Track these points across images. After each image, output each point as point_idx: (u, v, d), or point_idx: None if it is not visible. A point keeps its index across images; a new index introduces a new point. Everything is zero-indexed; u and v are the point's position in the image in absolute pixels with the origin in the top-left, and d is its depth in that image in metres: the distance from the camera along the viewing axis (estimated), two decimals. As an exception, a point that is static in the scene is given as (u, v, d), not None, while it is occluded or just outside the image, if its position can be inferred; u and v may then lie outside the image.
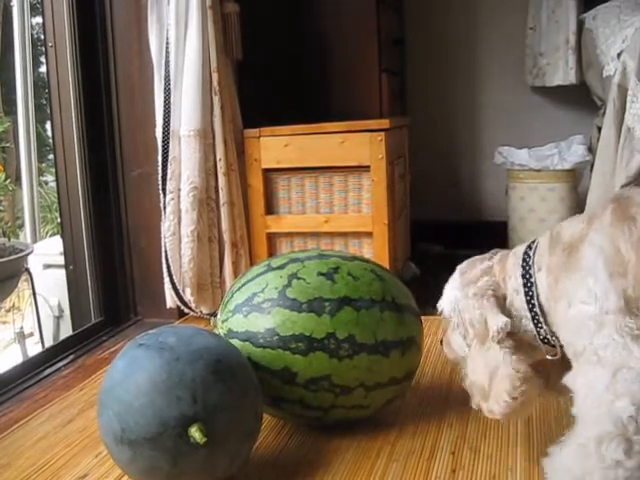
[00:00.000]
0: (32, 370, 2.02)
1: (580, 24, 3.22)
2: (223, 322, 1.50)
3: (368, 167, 2.38)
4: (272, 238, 2.54)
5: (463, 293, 1.25)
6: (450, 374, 1.82)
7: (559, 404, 1.57)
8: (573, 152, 3.18)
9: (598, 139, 2.49)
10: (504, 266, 1.24)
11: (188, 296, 2.31)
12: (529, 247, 1.22)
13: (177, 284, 2.29)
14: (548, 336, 1.20)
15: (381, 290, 1.47)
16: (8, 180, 2.80)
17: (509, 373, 1.17)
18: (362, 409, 1.48)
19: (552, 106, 3.60)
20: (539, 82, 3.45)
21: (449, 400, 1.67)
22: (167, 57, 2.24)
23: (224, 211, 2.33)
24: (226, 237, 2.35)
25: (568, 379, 1.11)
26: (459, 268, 1.32)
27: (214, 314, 2.22)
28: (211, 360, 1.24)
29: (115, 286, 2.47)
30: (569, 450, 1.09)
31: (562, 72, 3.32)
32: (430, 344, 2.05)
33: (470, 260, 1.32)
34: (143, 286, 2.48)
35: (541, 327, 1.19)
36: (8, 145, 3.25)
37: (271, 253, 2.52)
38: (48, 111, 2.46)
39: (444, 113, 3.76)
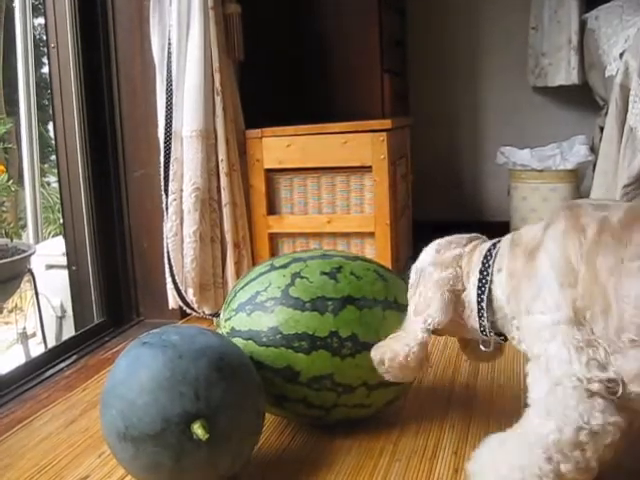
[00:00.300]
0: (35, 371, 2.03)
1: (582, 24, 3.22)
2: (226, 321, 1.50)
3: (370, 167, 2.38)
4: (274, 238, 2.54)
5: (428, 271, 1.30)
6: (452, 374, 1.83)
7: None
8: (575, 152, 3.18)
9: (600, 139, 2.49)
10: (471, 259, 1.29)
11: (190, 296, 2.31)
12: (493, 246, 1.27)
13: (179, 284, 2.29)
14: (487, 331, 1.27)
15: (383, 290, 1.48)
16: (10, 181, 2.80)
17: (415, 353, 1.25)
18: (364, 408, 1.48)
19: (554, 106, 3.61)
20: (541, 82, 3.46)
21: (451, 400, 1.67)
22: (169, 58, 2.24)
23: (226, 211, 2.33)
24: (228, 237, 2.35)
25: (528, 370, 1.15)
26: (437, 243, 1.36)
27: (216, 314, 2.22)
28: (214, 358, 1.24)
29: (117, 287, 2.47)
30: (510, 441, 1.18)
31: (564, 72, 3.33)
32: (433, 345, 2.04)
33: (448, 239, 1.36)
34: (145, 286, 2.48)
35: (483, 321, 1.26)
36: (10, 146, 3.25)
37: (273, 253, 2.52)
38: (50, 112, 2.46)
39: (446, 113, 3.77)
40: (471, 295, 1.26)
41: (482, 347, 1.32)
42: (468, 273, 1.27)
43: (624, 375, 1.03)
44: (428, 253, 1.35)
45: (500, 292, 1.22)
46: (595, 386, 1.04)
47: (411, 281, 1.35)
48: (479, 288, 1.25)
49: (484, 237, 1.34)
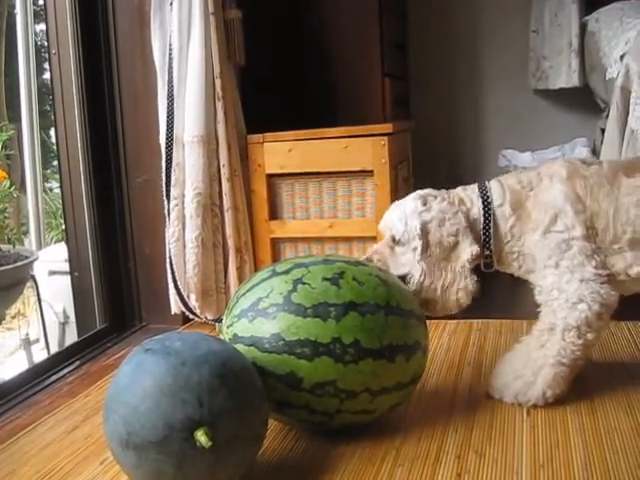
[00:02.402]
0: (37, 377, 2.03)
1: (583, 27, 3.22)
2: (228, 327, 1.50)
3: (371, 172, 2.38)
4: (276, 243, 2.54)
5: (431, 217, 1.60)
6: (455, 378, 1.82)
7: (563, 412, 1.57)
8: (577, 155, 3.18)
9: (602, 141, 2.49)
10: (462, 200, 1.63)
11: (193, 302, 2.31)
12: (480, 188, 1.64)
13: (182, 290, 2.29)
14: (490, 259, 1.64)
15: (386, 295, 1.47)
16: (13, 187, 2.80)
17: (466, 285, 1.59)
18: (367, 414, 1.48)
19: (555, 109, 3.61)
20: (542, 85, 3.46)
21: (454, 404, 1.67)
22: (170, 63, 2.24)
23: (228, 217, 2.33)
24: (230, 243, 2.35)
25: (537, 278, 1.59)
26: (417, 196, 1.65)
27: (219, 320, 2.22)
28: (217, 364, 1.24)
29: (120, 292, 2.47)
30: (525, 342, 1.62)
31: (565, 75, 3.33)
32: (435, 348, 2.04)
33: (424, 193, 1.67)
34: (148, 292, 2.48)
35: (488, 247, 1.62)
36: (12, 152, 3.26)
37: (275, 258, 2.52)
38: (52, 118, 2.47)
39: (447, 116, 3.77)
40: (473, 229, 1.61)
41: (484, 269, 1.66)
42: (466, 212, 1.61)
43: (617, 270, 1.54)
44: (413, 205, 1.63)
45: (503, 222, 1.60)
46: (604, 278, 1.53)
47: (410, 233, 1.61)
48: (485, 220, 1.61)
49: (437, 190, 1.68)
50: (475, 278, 1.59)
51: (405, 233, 1.61)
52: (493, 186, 1.63)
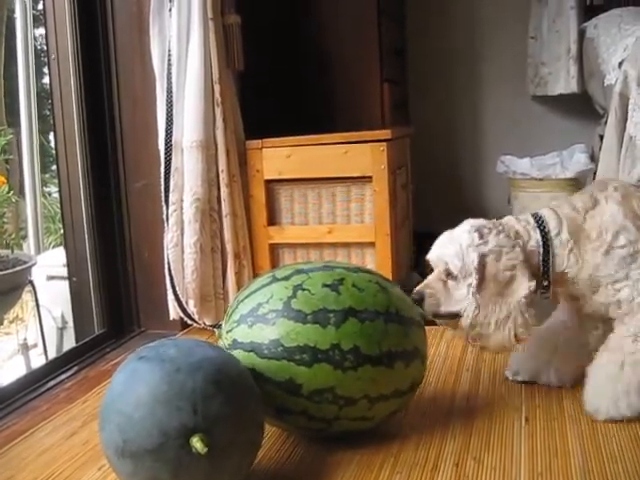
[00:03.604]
0: (35, 382, 2.02)
1: (581, 33, 3.22)
2: (228, 332, 1.50)
3: (370, 177, 2.38)
4: (275, 249, 2.54)
5: (488, 251, 1.56)
6: (453, 385, 1.82)
7: (562, 420, 1.57)
8: (575, 161, 3.18)
9: (600, 148, 2.49)
10: (517, 232, 1.60)
11: (191, 307, 2.31)
12: (536, 219, 1.61)
13: (180, 295, 2.29)
14: (550, 285, 1.62)
15: (385, 302, 1.47)
16: (11, 192, 2.80)
17: (525, 320, 1.54)
18: (366, 421, 1.48)
19: (554, 115, 3.61)
20: (541, 91, 3.46)
21: (453, 411, 1.66)
22: (169, 69, 2.25)
23: (227, 222, 2.33)
24: (229, 248, 2.35)
25: (604, 296, 1.59)
26: (472, 228, 1.59)
27: (217, 325, 2.22)
28: (211, 371, 1.24)
29: (118, 298, 2.47)
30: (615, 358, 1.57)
31: (564, 81, 3.33)
32: (434, 355, 2.04)
33: (477, 224, 1.61)
34: (146, 297, 2.47)
35: (547, 278, 1.60)
36: (11, 157, 3.25)
37: (274, 264, 2.52)
38: (51, 122, 2.47)
39: (446, 122, 3.77)
40: (531, 260, 1.59)
41: (543, 298, 1.64)
42: (523, 244, 1.59)
43: None
44: (468, 238, 1.58)
45: (561, 250, 1.59)
46: None
47: (468, 268, 1.56)
48: (544, 252, 1.59)
49: (491, 220, 1.63)
50: (533, 311, 1.56)
51: (462, 269, 1.56)
52: (547, 215, 1.62)
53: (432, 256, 1.64)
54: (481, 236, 1.57)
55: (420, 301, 1.59)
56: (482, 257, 1.55)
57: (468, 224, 1.62)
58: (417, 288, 1.62)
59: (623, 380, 1.54)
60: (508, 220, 1.65)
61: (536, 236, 1.60)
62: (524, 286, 1.54)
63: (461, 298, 1.58)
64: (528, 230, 1.61)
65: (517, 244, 1.58)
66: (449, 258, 1.58)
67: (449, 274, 1.59)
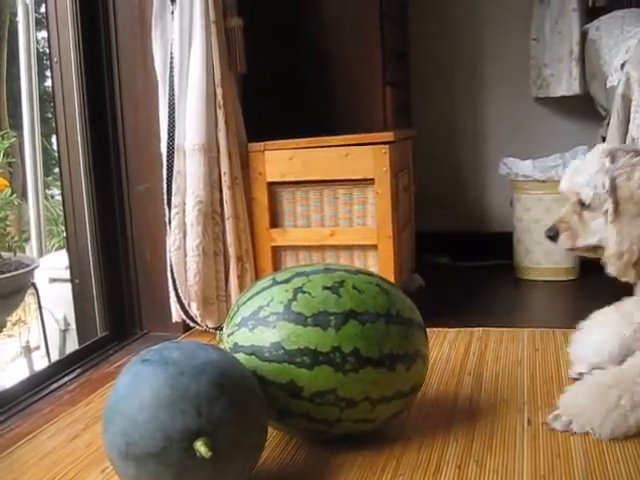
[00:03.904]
0: (38, 385, 2.02)
1: (583, 35, 3.22)
2: (229, 336, 1.50)
3: (372, 180, 2.38)
4: (277, 252, 2.53)
5: (618, 173, 1.44)
6: (456, 387, 1.82)
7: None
8: (578, 163, 3.17)
9: (602, 150, 2.48)
10: None
11: (194, 310, 2.31)
12: None
13: (183, 298, 2.29)
14: None
15: (386, 303, 1.47)
16: (14, 195, 2.81)
17: None
18: (368, 423, 1.48)
19: (556, 117, 3.60)
20: (543, 93, 3.46)
21: (455, 414, 1.66)
22: (171, 72, 2.25)
23: (229, 225, 2.33)
24: (231, 251, 2.35)
25: None
26: (603, 152, 1.49)
27: (220, 328, 2.22)
28: (215, 373, 1.24)
29: (121, 300, 2.47)
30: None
31: (566, 83, 3.33)
32: (436, 357, 2.04)
33: (611, 147, 1.50)
34: (149, 300, 2.48)
35: None
36: (14, 160, 3.26)
37: (276, 267, 2.52)
38: (54, 125, 2.47)
39: (448, 125, 3.77)
40: None
41: None
42: None
43: None
44: (599, 164, 1.47)
45: None
46: None
47: (601, 195, 1.46)
48: None
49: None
50: None
51: (595, 196, 1.47)
52: None
53: (563, 187, 1.56)
54: (613, 159, 1.47)
55: (555, 237, 1.52)
56: (613, 180, 1.45)
57: (599, 148, 1.52)
58: (552, 222, 1.54)
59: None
60: None
61: None
62: None
63: (599, 228, 1.50)
64: None
65: None
66: (580, 188, 1.50)
67: (583, 204, 1.51)
